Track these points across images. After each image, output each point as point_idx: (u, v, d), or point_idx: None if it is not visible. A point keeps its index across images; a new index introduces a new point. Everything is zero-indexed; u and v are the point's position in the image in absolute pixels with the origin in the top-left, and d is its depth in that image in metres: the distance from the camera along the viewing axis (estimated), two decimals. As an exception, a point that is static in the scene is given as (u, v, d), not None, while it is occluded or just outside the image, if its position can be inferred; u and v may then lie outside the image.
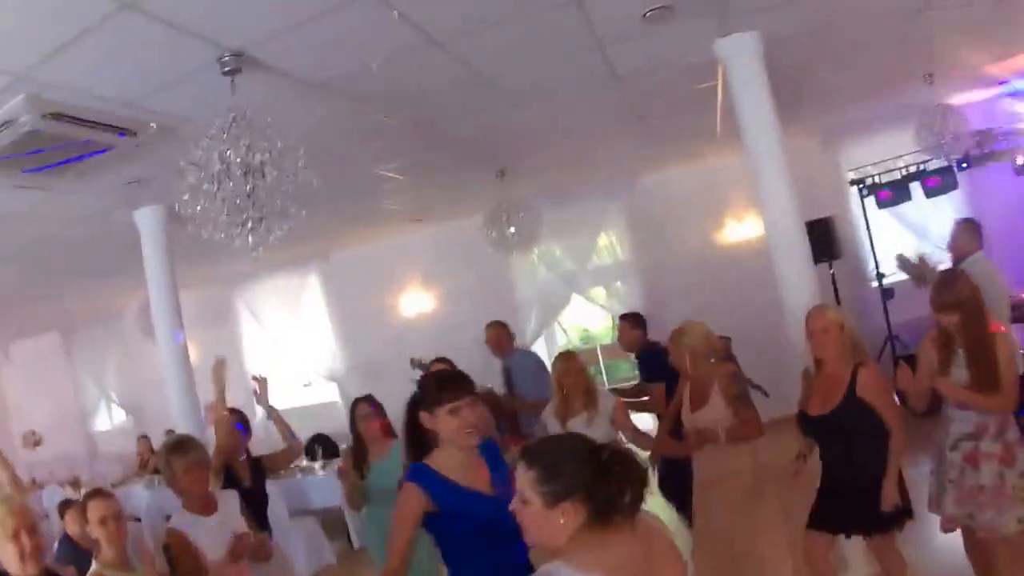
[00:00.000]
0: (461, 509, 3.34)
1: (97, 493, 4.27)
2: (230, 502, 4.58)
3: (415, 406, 3.45)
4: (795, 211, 6.02)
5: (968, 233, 7.20)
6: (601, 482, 2.22)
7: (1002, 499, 4.40)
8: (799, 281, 6.00)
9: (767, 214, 6.17)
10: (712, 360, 5.26)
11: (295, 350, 12.97)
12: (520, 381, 7.81)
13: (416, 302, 12.57)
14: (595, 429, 5.43)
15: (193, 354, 7.92)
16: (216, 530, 4.30)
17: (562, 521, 2.24)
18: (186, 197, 4.38)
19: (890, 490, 4.50)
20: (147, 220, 7.59)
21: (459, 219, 11.27)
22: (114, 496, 4.30)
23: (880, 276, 10.39)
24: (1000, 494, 4.41)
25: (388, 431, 5.56)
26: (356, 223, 10.99)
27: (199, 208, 4.41)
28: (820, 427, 4.70)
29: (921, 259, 7.93)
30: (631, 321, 7.54)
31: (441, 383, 3.45)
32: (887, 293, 10.32)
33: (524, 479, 2.32)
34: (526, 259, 11.53)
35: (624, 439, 5.73)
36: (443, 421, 3.35)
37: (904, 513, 4.65)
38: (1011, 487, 4.41)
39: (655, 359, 6.58)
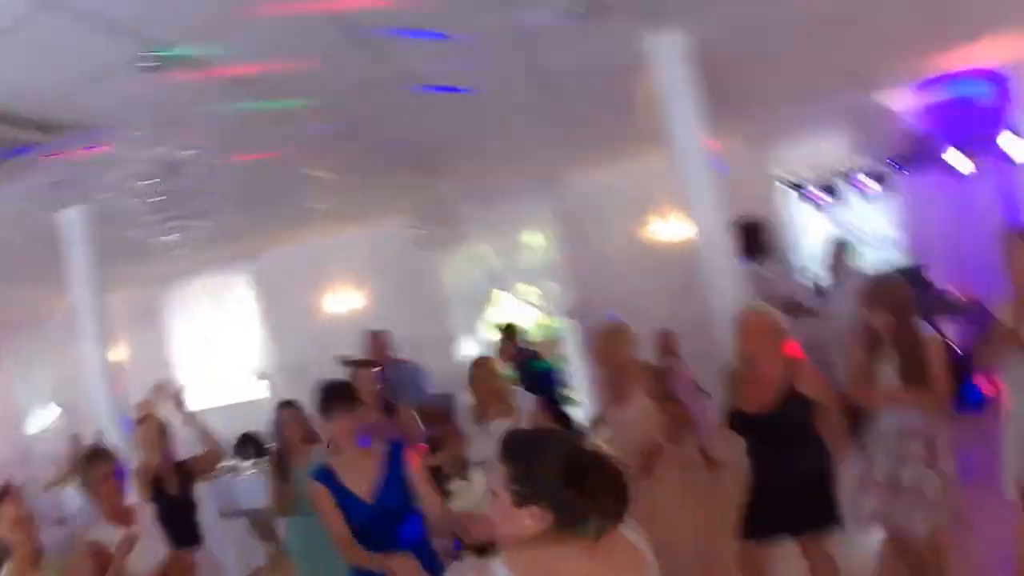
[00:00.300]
0: (343, 509, 3.77)
1: (6, 494, 4.17)
2: (146, 514, 4.58)
3: None
4: (721, 211, 6.04)
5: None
6: (572, 494, 2.14)
7: (919, 501, 4.45)
8: (726, 281, 6.02)
9: (693, 214, 6.17)
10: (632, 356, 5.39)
11: (224, 349, 12.85)
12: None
13: (345, 300, 12.46)
14: None
15: (123, 356, 7.81)
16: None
17: (528, 522, 2.18)
18: (109, 194, 4.33)
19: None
20: (71, 221, 7.44)
21: (388, 218, 11.13)
22: (23, 498, 4.19)
23: (811, 277, 10.55)
24: (918, 496, 4.46)
25: (310, 437, 5.51)
26: (285, 223, 10.85)
27: (122, 206, 4.36)
28: (759, 425, 4.67)
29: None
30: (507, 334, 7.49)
31: (325, 395, 3.87)
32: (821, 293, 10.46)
33: (499, 472, 2.26)
34: (454, 258, 11.48)
35: None
36: (326, 428, 4.02)
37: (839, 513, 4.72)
38: (931, 490, 4.45)
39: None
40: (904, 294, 4.63)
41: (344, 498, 3.77)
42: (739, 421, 4.79)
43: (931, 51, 8.32)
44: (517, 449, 2.29)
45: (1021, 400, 4.45)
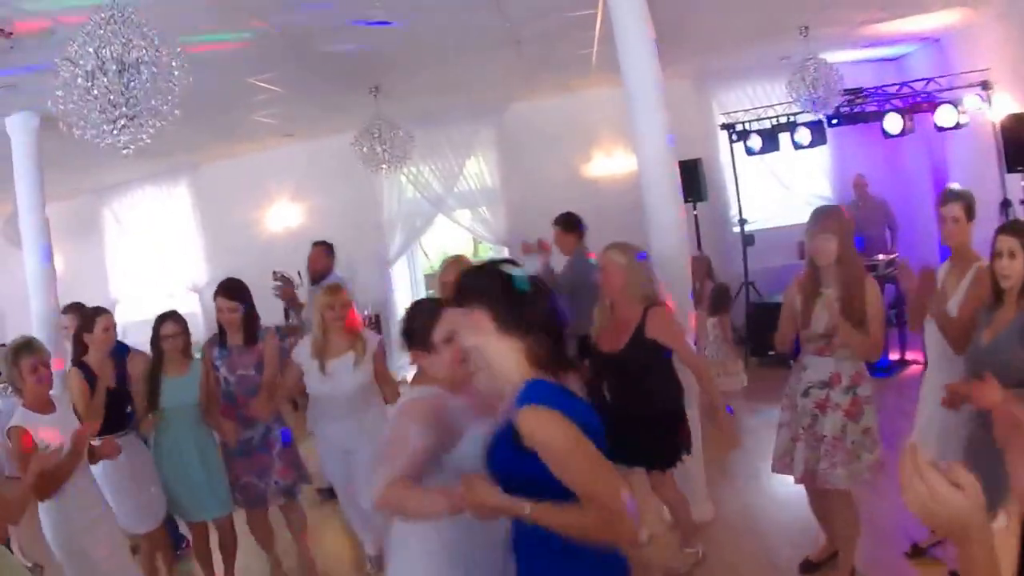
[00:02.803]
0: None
1: None
2: (64, 403, 4.73)
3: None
4: (669, 148, 5.95)
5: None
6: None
7: (839, 451, 4.49)
8: (668, 220, 5.96)
9: (640, 149, 6.02)
10: None
11: (160, 261, 12.75)
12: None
13: (284, 216, 12.47)
14: (361, 373, 5.22)
15: (59, 266, 7.76)
16: (58, 428, 4.39)
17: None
18: (60, 93, 4.28)
19: (724, 423, 4.86)
20: (18, 127, 7.33)
21: (330, 136, 11.11)
22: None
23: (743, 222, 10.76)
24: (838, 446, 4.50)
25: (188, 350, 5.51)
26: (227, 135, 10.75)
27: (71, 105, 4.32)
28: (609, 364, 4.89)
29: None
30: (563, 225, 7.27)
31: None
32: (748, 239, 10.69)
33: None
34: (394, 179, 11.53)
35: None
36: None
37: (683, 451, 4.99)
38: (851, 442, 4.50)
39: None
40: (848, 221, 4.63)
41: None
42: (593, 358, 5.03)
43: (875, 12, 8.49)
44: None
45: (937, 357, 4.61)
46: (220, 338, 5.67)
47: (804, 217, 4.90)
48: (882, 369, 8.38)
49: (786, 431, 4.83)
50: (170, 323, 5.40)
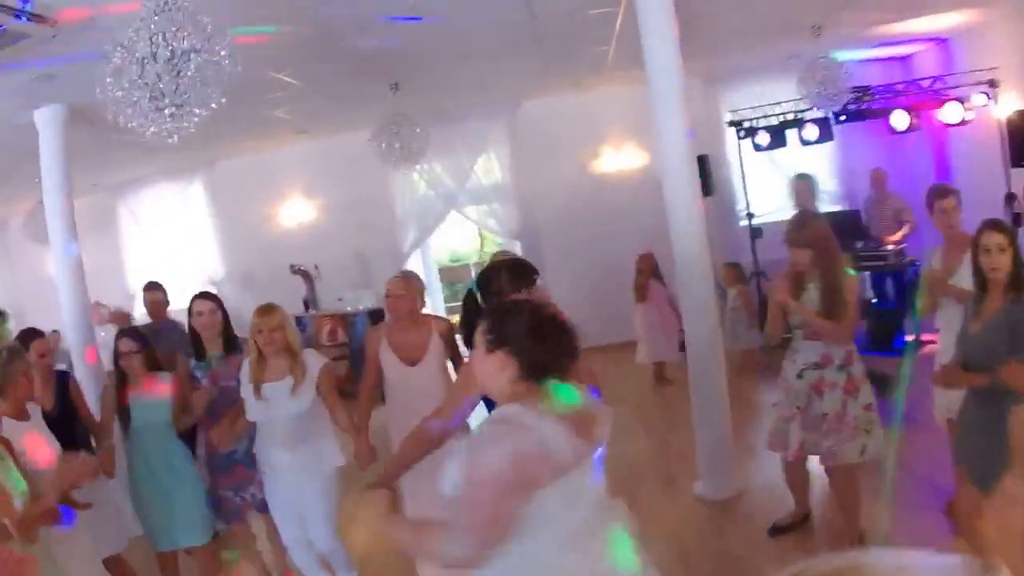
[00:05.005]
0: None
1: None
2: (36, 411, 4.36)
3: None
4: (689, 144, 6.13)
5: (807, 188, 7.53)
6: (534, 343, 2.48)
7: (843, 428, 4.77)
8: (687, 213, 6.14)
9: (661, 144, 6.20)
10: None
11: (175, 256, 12.81)
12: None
13: (297, 212, 12.59)
14: (300, 399, 4.85)
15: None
16: (43, 435, 4.20)
17: (496, 367, 2.50)
18: (110, 80, 4.39)
19: None
20: (48, 120, 7.38)
21: (345, 132, 11.26)
22: None
23: (750, 216, 10.97)
24: (841, 423, 4.77)
25: (152, 365, 5.13)
26: (243, 132, 10.81)
27: (119, 92, 4.43)
28: None
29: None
30: None
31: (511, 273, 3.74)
32: (756, 232, 10.87)
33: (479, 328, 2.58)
34: (407, 175, 11.62)
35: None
36: None
37: None
38: (853, 417, 4.78)
39: None
40: (823, 232, 4.87)
41: None
42: None
43: (888, 13, 8.67)
44: (494, 308, 2.68)
45: (949, 340, 4.72)
46: (195, 350, 5.38)
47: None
48: (897, 350, 8.52)
49: (778, 411, 5.12)
50: (126, 339, 5.09)
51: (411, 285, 5.26)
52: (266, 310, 4.92)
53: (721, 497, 6.10)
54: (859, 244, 9.50)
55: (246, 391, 4.89)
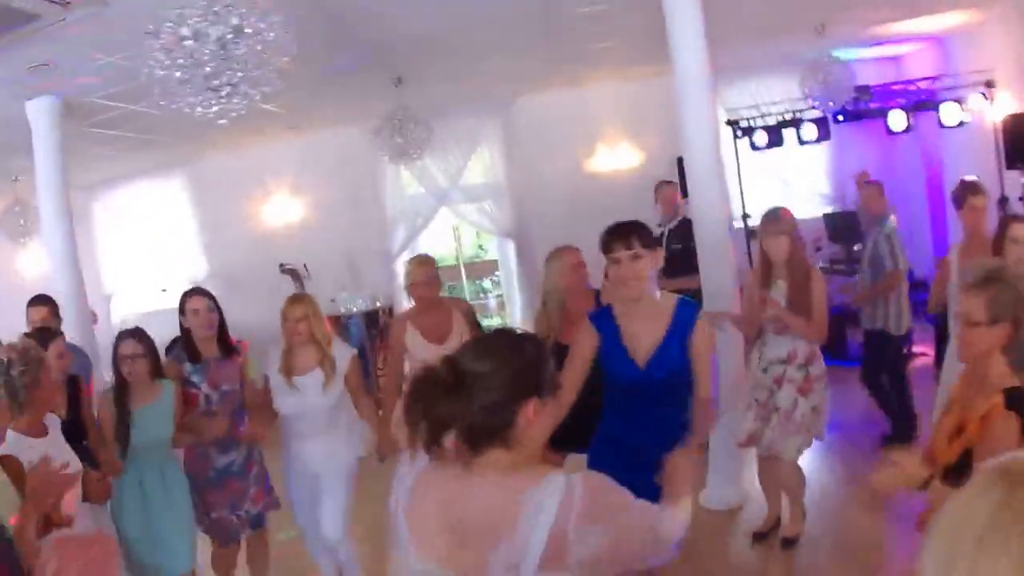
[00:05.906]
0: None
1: None
2: (55, 425, 3.84)
3: None
4: (716, 135, 6.26)
5: (878, 194, 7.55)
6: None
7: (788, 424, 4.94)
8: (712, 205, 6.25)
9: (688, 136, 6.21)
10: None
11: (155, 255, 12.53)
12: None
13: (283, 210, 12.28)
14: (329, 394, 4.90)
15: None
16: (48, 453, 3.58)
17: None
18: (160, 57, 4.24)
19: None
20: (41, 111, 7.19)
21: (334, 128, 11.13)
22: None
23: (746, 216, 10.97)
24: (788, 419, 4.93)
25: (156, 372, 4.70)
26: (228, 128, 10.49)
27: (162, 73, 4.29)
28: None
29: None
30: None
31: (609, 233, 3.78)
32: (751, 233, 10.88)
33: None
34: (397, 172, 11.45)
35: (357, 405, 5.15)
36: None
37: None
38: (800, 415, 4.93)
39: None
40: (794, 222, 5.11)
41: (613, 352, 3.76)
42: (557, 351, 5.15)
43: (892, 11, 8.69)
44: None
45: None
46: (187, 352, 5.04)
47: (804, 211, 5.33)
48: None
49: (743, 402, 5.31)
50: (129, 342, 4.60)
51: (433, 271, 5.39)
52: (292, 300, 5.03)
53: (727, 506, 6.12)
54: (856, 247, 9.51)
55: (276, 382, 4.92)
